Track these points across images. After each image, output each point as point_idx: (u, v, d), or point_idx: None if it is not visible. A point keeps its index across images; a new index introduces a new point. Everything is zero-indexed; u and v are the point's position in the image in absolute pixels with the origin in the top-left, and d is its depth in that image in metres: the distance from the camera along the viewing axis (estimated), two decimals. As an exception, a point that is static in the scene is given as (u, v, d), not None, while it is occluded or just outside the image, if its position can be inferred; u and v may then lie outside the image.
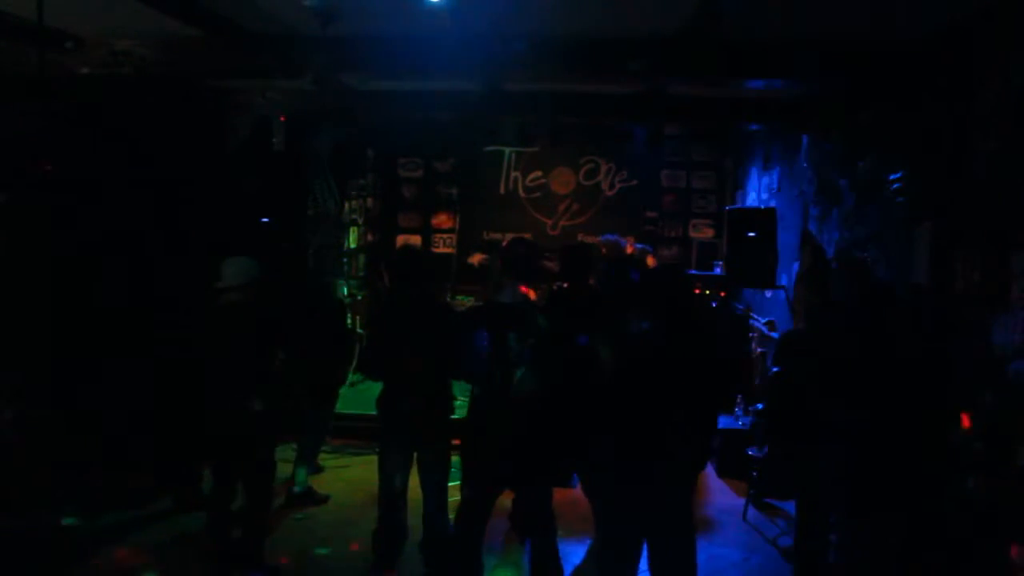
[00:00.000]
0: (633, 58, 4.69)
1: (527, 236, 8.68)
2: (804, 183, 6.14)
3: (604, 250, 5.55)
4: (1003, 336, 3.32)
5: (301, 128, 7.10)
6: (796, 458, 3.87)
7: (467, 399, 3.94)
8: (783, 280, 6.39)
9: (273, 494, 4.60)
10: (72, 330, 5.37)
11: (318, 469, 5.83)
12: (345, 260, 8.16)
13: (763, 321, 6.87)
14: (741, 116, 6.72)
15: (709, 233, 8.94)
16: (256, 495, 4.38)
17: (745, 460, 5.60)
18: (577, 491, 4.67)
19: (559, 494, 3.97)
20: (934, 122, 4.09)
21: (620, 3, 4.02)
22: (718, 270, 8.20)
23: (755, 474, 5.49)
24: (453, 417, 4.20)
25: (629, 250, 5.90)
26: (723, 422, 6.00)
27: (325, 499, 5.44)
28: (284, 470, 5.09)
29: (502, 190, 9.13)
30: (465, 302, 8.35)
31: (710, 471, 6.08)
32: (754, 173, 7.90)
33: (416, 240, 9.19)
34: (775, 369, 4.17)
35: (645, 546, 3.49)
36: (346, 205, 8.06)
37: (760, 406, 5.88)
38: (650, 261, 6.71)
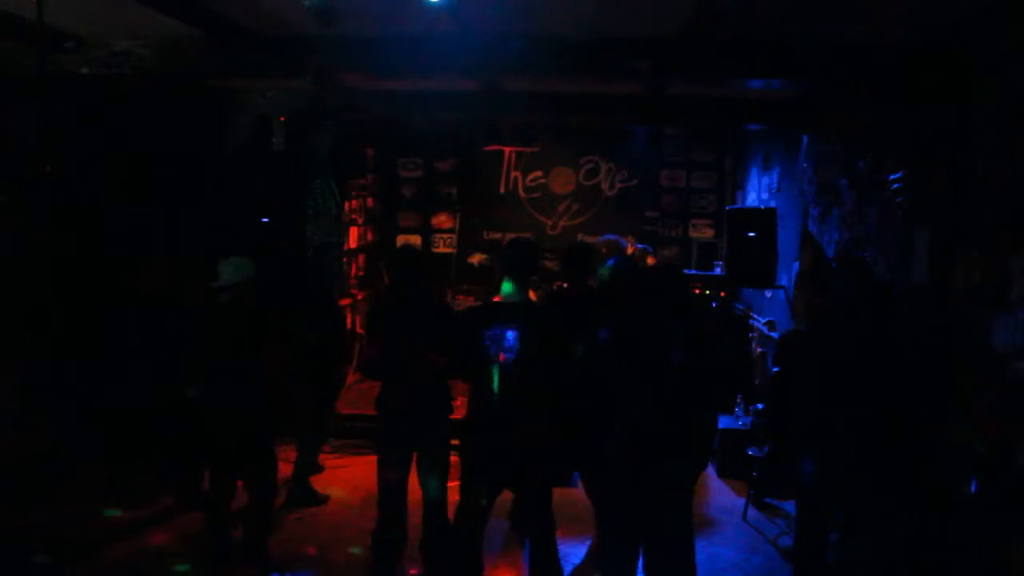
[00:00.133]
0: (633, 58, 4.69)
1: (528, 236, 8.75)
2: (804, 183, 6.13)
3: (604, 249, 5.55)
4: (1003, 336, 3.32)
5: (301, 128, 7.10)
6: (796, 458, 3.87)
7: (466, 399, 3.94)
8: (783, 280, 6.39)
9: (276, 492, 4.61)
10: (72, 329, 5.38)
11: (318, 469, 5.84)
12: (345, 260, 8.16)
13: (763, 321, 6.87)
14: (741, 116, 6.72)
15: (709, 233, 8.94)
16: (259, 493, 4.39)
17: (745, 460, 5.61)
18: (577, 491, 4.67)
19: (559, 494, 3.96)
20: (934, 122, 4.09)
21: (620, 3, 4.02)
22: (718, 270, 8.20)
23: (755, 474, 5.49)
24: (453, 417, 4.21)
25: (630, 250, 5.90)
26: (723, 422, 6.00)
27: (325, 499, 5.45)
28: (284, 470, 5.09)
29: (502, 190, 9.14)
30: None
31: (710, 471, 6.08)
32: (754, 173, 7.90)
33: (416, 240, 9.19)
34: (775, 369, 4.17)
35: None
36: (346, 205, 8.06)
37: (760, 406, 5.89)
38: (650, 261, 6.72)
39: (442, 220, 9.25)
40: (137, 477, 5.48)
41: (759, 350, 6.98)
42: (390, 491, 4.19)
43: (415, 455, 4.17)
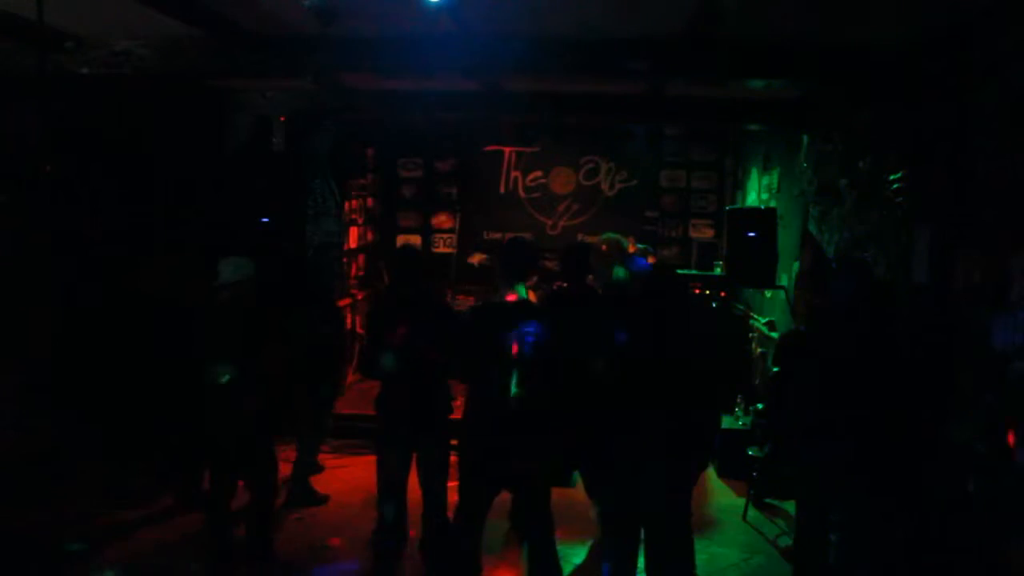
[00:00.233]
0: (633, 58, 4.69)
1: (527, 236, 8.75)
2: (804, 183, 6.14)
3: (604, 247, 5.54)
4: (1003, 336, 3.32)
5: (301, 128, 7.10)
6: (796, 458, 3.87)
7: (465, 399, 3.94)
8: (783, 280, 6.39)
9: (277, 491, 4.62)
10: (72, 329, 5.38)
11: (318, 469, 5.83)
12: (345, 260, 8.16)
13: (763, 321, 6.87)
14: (741, 116, 6.72)
15: (709, 233, 8.94)
16: (260, 494, 4.40)
17: (745, 460, 5.60)
18: (576, 491, 4.67)
19: (559, 494, 3.96)
20: (934, 122, 4.09)
21: (620, 3, 4.01)
22: (718, 270, 8.20)
23: (755, 474, 5.49)
24: (452, 417, 4.20)
25: (631, 249, 5.89)
26: (723, 422, 5.99)
27: (325, 499, 5.45)
28: (284, 470, 5.08)
29: (502, 190, 9.13)
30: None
31: (710, 471, 6.08)
32: (754, 173, 7.90)
33: (416, 240, 9.19)
34: (775, 369, 4.17)
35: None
36: (346, 205, 8.06)
37: (760, 406, 5.89)
38: (650, 261, 6.71)
39: (442, 220, 9.25)
40: (137, 477, 5.48)
41: (759, 350, 6.98)
42: (390, 491, 4.19)
43: (415, 455, 4.17)
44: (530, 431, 3.70)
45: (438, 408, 4.15)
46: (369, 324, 5.21)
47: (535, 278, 7.02)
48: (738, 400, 6.27)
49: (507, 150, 9.08)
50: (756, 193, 7.72)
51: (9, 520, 4.78)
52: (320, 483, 5.60)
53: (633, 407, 3.34)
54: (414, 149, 9.17)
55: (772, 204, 6.95)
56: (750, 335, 7.24)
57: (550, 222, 9.10)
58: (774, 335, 6.48)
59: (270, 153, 6.91)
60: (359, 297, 8.26)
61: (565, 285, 4.80)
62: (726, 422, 6.12)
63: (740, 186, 8.53)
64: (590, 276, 4.93)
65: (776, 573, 4.65)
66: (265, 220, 6.61)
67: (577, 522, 4.78)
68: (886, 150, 4.62)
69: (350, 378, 7.72)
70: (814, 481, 3.74)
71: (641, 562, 3.65)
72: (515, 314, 3.72)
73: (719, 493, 5.85)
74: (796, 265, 6.24)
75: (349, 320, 7.82)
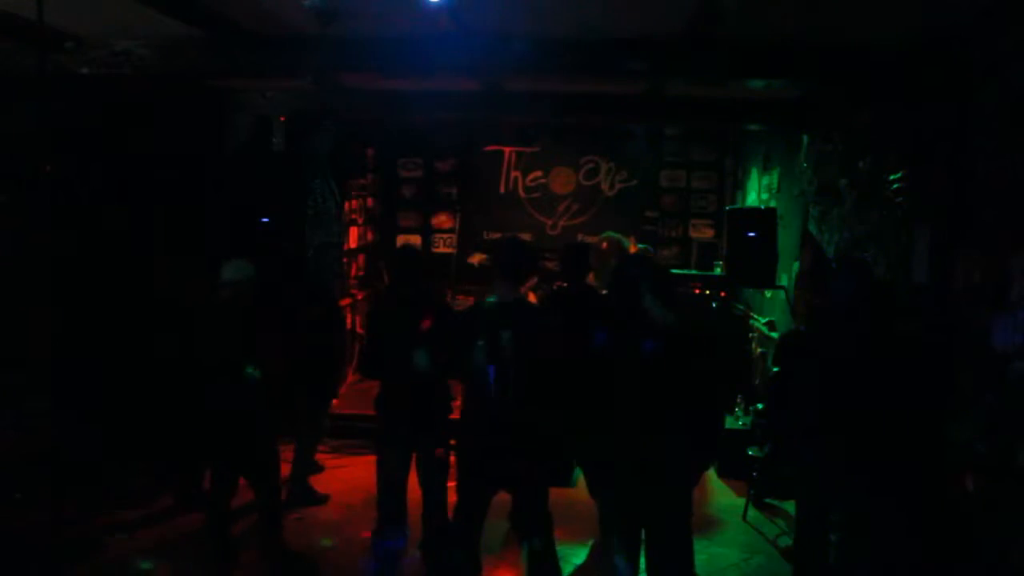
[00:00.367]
0: (633, 58, 4.69)
1: (527, 236, 8.75)
2: (804, 183, 6.14)
3: (605, 245, 5.54)
4: (1003, 336, 3.32)
5: (301, 128, 7.10)
6: (796, 458, 3.87)
7: (462, 399, 3.94)
8: (783, 280, 6.39)
9: (281, 489, 4.63)
10: (72, 329, 5.37)
11: (318, 469, 5.83)
12: (345, 260, 8.16)
13: (763, 321, 6.87)
14: (741, 116, 6.72)
15: (709, 233, 8.93)
16: (267, 494, 4.41)
17: (745, 460, 5.60)
18: (576, 491, 4.67)
19: (559, 494, 3.96)
20: (934, 122, 4.09)
21: (621, 3, 4.01)
22: (718, 270, 8.20)
23: (755, 474, 5.49)
24: (452, 417, 4.21)
25: (632, 249, 5.89)
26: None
27: (325, 499, 5.45)
28: (283, 470, 5.08)
29: (502, 190, 9.13)
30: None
31: (710, 471, 6.08)
32: (754, 173, 7.90)
33: (416, 240, 9.19)
34: (775, 369, 4.17)
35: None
36: (346, 205, 8.06)
37: (760, 406, 5.89)
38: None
39: (442, 220, 9.25)
40: (137, 477, 5.48)
41: (759, 350, 6.98)
42: (390, 491, 4.19)
43: (415, 455, 4.17)
44: (527, 431, 3.70)
45: (438, 408, 4.16)
46: (369, 324, 5.22)
47: (535, 278, 7.03)
48: (738, 400, 6.27)
49: (507, 150, 9.08)
50: (756, 193, 7.72)
51: (9, 520, 4.78)
52: (320, 483, 5.61)
53: (632, 407, 3.33)
54: (414, 149, 9.17)
55: (772, 204, 6.95)
56: (750, 335, 7.24)
57: (550, 222, 9.10)
58: (774, 335, 6.48)
59: (270, 153, 6.91)
60: (359, 297, 8.26)
61: (565, 285, 4.80)
62: (726, 422, 6.12)
63: (740, 186, 8.53)
64: (590, 275, 4.94)
65: (776, 573, 4.65)
66: (265, 220, 6.61)
67: (577, 522, 4.78)
68: (886, 150, 4.63)
69: (350, 378, 7.72)
70: (814, 481, 3.74)
71: (641, 562, 3.65)
72: (511, 314, 3.72)
73: (719, 493, 5.85)
74: (796, 265, 6.24)
75: (349, 320, 7.82)
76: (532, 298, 6.13)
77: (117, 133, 5.57)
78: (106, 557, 4.59)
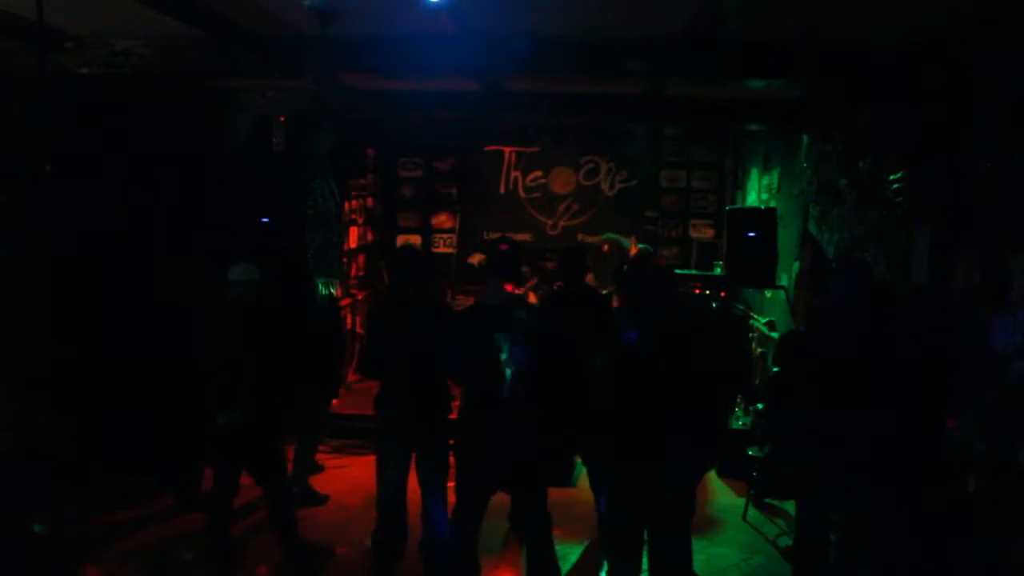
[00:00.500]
0: (633, 58, 4.69)
1: (527, 236, 8.77)
2: (804, 183, 6.14)
3: (606, 247, 5.54)
4: (1003, 336, 3.32)
5: (301, 128, 7.10)
6: (796, 458, 3.87)
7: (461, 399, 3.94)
8: (783, 280, 6.39)
9: (290, 487, 4.63)
10: (72, 330, 5.37)
11: (318, 469, 5.84)
12: (345, 260, 8.16)
13: (763, 321, 6.87)
14: (741, 116, 6.72)
15: (709, 233, 8.93)
16: (276, 494, 4.43)
17: (745, 460, 5.60)
18: (576, 491, 4.67)
19: (559, 494, 3.97)
20: (934, 122, 4.09)
21: (620, 3, 4.01)
22: (718, 270, 8.20)
23: (755, 474, 5.49)
24: (451, 417, 4.21)
25: (633, 250, 5.90)
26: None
27: (325, 499, 5.45)
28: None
29: (502, 190, 9.13)
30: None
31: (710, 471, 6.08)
32: (754, 173, 7.90)
33: (416, 240, 9.19)
34: (775, 369, 4.17)
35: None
36: (346, 205, 8.06)
37: (760, 406, 5.89)
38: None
39: (442, 220, 9.25)
40: (137, 477, 5.48)
41: (759, 350, 6.98)
42: (390, 491, 4.19)
43: (415, 455, 4.17)
44: (525, 431, 3.70)
45: (438, 408, 4.15)
46: (369, 324, 5.22)
47: (535, 279, 7.03)
48: (738, 400, 6.27)
49: (507, 150, 9.08)
50: (756, 193, 7.72)
51: (9, 520, 4.78)
52: (320, 483, 5.61)
53: (632, 407, 3.33)
54: (414, 149, 9.17)
55: (772, 204, 6.95)
56: (750, 335, 7.24)
57: (550, 222, 9.10)
58: (774, 335, 6.48)
59: (270, 153, 6.91)
60: (359, 297, 8.26)
61: (564, 285, 4.81)
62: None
63: (740, 186, 8.53)
64: (589, 276, 4.94)
65: (776, 573, 4.65)
66: (265, 220, 6.61)
67: (577, 522, 4.78)
68: (886, 150, 4.62)
69: (350, 378, 7.72)
70: (814, 481, 3.74)
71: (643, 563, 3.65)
72: (507, 314, 3.72)
73: (719, 493, 5.85)
74: (796, 265, 6.24)
75: (349, 320, 7.82)
76: (532, 298, 6.14)
77: (117, 133, 5.57)
78: (106, 557, 4.58)
